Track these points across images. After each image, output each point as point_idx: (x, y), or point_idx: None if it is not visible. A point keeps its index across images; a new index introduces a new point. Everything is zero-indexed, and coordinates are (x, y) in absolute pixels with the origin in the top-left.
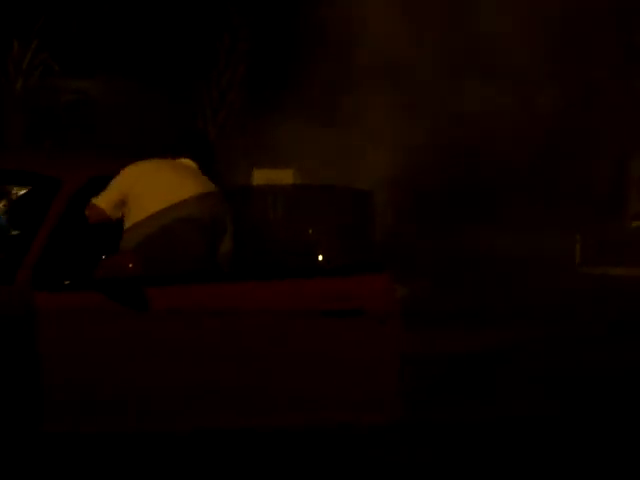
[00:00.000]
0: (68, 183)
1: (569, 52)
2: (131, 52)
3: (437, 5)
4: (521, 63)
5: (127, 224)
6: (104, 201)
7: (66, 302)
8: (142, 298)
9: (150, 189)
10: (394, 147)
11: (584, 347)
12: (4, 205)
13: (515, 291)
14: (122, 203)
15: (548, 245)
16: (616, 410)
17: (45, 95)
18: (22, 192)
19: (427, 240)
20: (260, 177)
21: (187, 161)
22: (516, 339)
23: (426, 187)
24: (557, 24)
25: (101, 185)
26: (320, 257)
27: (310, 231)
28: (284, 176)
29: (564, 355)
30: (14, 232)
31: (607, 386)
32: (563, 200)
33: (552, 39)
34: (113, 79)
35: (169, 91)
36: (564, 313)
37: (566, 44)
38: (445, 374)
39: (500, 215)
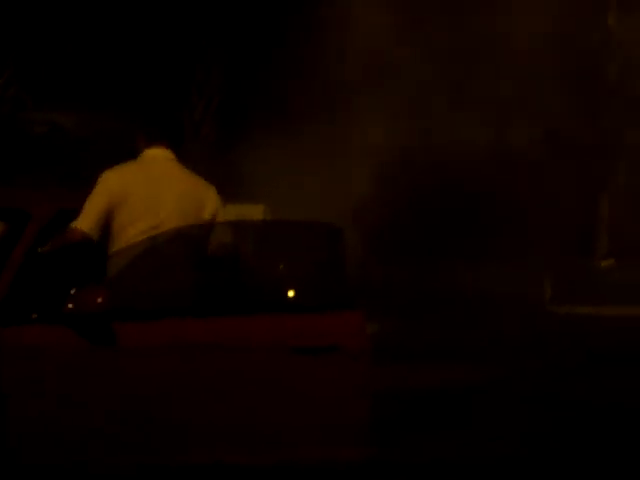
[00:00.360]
0: (37, 216)
1: (539, 86)
2: (104, 84)
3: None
4: (490, 95)
5: (110, 245)
6: (82, 222)
7: (33, 336)
8: (110, 334)
9: (130, 203)
10: (367, 181)
11: (553, 382)
12: None
13: (485, 327)
14: (104, 219)
15: (518, 281)
16: (591, 444)
17: (17, 128)
18: None
19: (397, 275)
20: (231, 212)
21: (163, 152)
22: (487, 375)
23: (396, 222)
24: (526, 58)
25: (71, 218)
26: (291, 293)
27: (281, 267)
28: (254, 212)
29: (535, 390)
30: None
31: (579, 420)
32: (532, 237)
33: (521, 73)
34: (85, 111)
35: (141, 123)
36: (533, 349)
37: (536, 78)
38: (416, 411)
39: (471, 250)
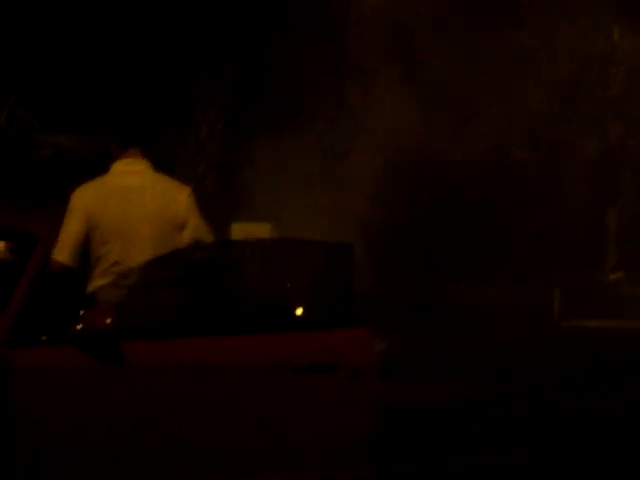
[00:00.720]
0: (44, 239)
1: (545, 100)
2: (108, 106)
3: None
4: (497, 106)
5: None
6: (59, 252)
7: (42, 358)
8: (119, 353)
9: (104, 221)
10: (373, 197)
11: (561, 397)
12: None
13: (493, 342)
14: (82, 243)
15: (527, 297)
16: (599, 460)
17: (22, 150)
18: None
19: (405, 290)
20: (238, 231)
21: (134, 162)
22: (496, 390)
23: (403, 238)
24: (529, 70)
25: None
26: (297, 311)
27: (288, 285)
28: (262, 230)
29: (543, 405)
30: None
31: (587, 436)
32: (540, 251)
33: (527, 83)
34: (90, 133)
35: (146, 144)
36: (541, 363)
37: (543, 88)
38: (424, 428)
39: (479, 266)
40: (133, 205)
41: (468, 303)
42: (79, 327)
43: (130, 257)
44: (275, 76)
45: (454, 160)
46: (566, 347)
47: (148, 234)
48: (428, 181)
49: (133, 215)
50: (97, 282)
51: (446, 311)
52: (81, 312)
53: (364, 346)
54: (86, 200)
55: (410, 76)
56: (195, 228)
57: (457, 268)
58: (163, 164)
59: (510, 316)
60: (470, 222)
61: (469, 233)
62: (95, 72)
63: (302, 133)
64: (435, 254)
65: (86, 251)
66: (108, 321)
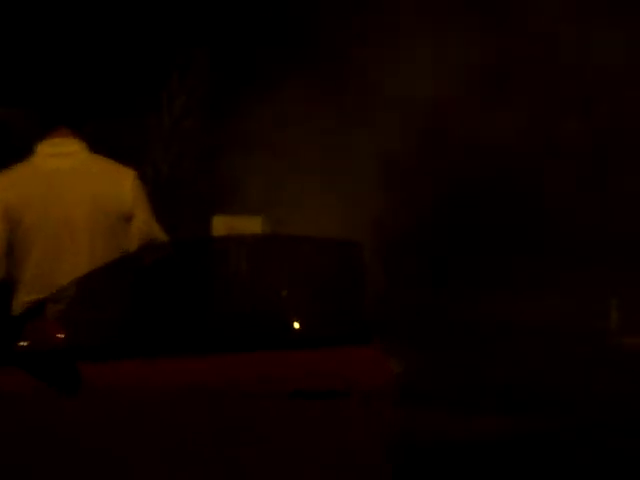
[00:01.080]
0: None
1: (599, 77)
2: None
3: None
4: (540, 91)
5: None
6: None
7: None
8: (74, 375)
9: (27, 219)
10: (385, 190)
11: (619, 437)
12: None
13: (535, 365)
14: (4, 245)
15: (576, 308)
16: None
17: None
18: None
19: (430, 302)
20: (221, 226)
21: (68, 143)
22: (536, 425)
23: (428, 236)
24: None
25: None
26: (295, 324)
27: (283, 293)
28: (251, 224)
29: (594, 447)
30: None
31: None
32: (594, 252)
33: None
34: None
35: (112, 119)
36: (595, 393)
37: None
38: (447, 466)
39: (516, 272)
40: (64, 192)
41: (503, 317)
42: (24, 344)
43: (63, 259)
44: (263, 40)
45: (488, 143)
46: (621, 370)
47: (85, 227)
48: (454, 168)
49: (64, 205)
50: (26, 296)
51: (476, 326)
52: (26, 326)
53: (376, 367)
54: (3, 192)
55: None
56: (145, 222)
57: (489, 274)
58: (128, 146)
59: (555, 332)
60: (505, 217)
61: (503, 231)
62: (53, 30)
63: (297, 108)
64: (462, 257)
65: (11, 257)
66: (60, 336)
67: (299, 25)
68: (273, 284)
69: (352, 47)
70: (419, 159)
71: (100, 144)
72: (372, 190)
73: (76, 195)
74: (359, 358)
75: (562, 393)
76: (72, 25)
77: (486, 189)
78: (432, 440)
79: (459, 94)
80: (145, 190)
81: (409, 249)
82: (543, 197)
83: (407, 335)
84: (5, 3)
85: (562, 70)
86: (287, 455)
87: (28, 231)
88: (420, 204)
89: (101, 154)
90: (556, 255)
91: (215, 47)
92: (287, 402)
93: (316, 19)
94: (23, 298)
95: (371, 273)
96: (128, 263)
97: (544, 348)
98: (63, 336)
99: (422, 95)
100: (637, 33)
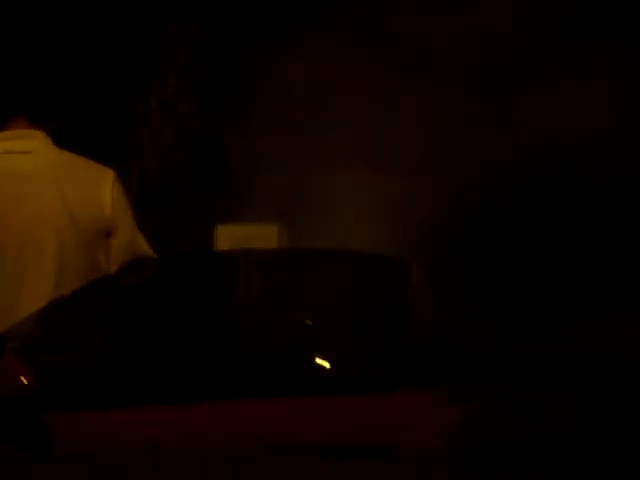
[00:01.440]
0: None
1: None
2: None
3: None
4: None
5: None
6: None
7: None
8: (40, 429)
9: None
10: (437, 187)
11: None
12: None
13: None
14: None
15: None
16: None
17: None
18: None
19: (493, 331)
20: (227, 237)
21: (27, 137)
22: None
23: (491, 246)
24: None
25: None
26: (324, 363)
27: (309, 322)
28: (264, 234)
29: None
30: None
31: None
32: None
33: None
34: None
35: (86, 106)
36: None
37: None
38: None
39: (616, 292)
40: (24, 203)
41: (599, 349)
42: None
43: (25, 285)
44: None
45: (567, 127)
46: None
47: (51, 246)
48: (527, 159)
49: (24, 219)
50: None
51: (562, 362)
52: None
53: (430, 417)
54: None
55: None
56: (128, 236)
57: (579, 295)
58: (107, 138)
59: None
60: (599, 222)
61: (597, 240)
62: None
63: (323, 77)
64: (541, 272)
65: None
66: (25, 381)
67: None
68: (293, 311)
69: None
70: (481, 150)
71: (70, 138)
72: (420, 184)
73: (40, 206)
74: (407, 405)
75: None
76: None
77: (569, 185)
78: None
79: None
80: (127, 195)
81: (472, 262)
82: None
83: (472, 375)
84: None
85: None
86: None
87: None
88: (486, 206)
89: (71, 150)
90: None
91: (209, 16)
92: (318, 461)
93: None
94: None
95: (424, 296)
96: (106, 288)
97: None
98: (28, 380)
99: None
100: None
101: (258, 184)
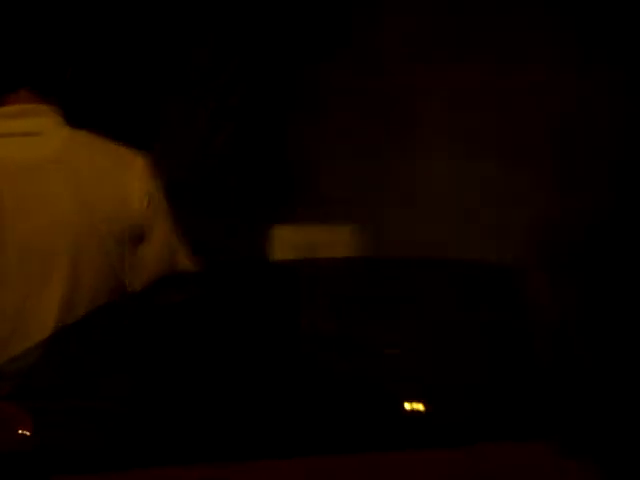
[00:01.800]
0: None
1: None
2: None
3: None
4: None
5: None
6: None
7: None
8: None
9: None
10: (551, 181)
11: None
12: None
13: None
14: None
15: None
16: None
17: None
18: None
19: (632, 356)
20: (287, 241)
21: (35, 114)
22: None
23: (621, 253)
24: None
25: None
26: (418, 407)
27: (393, 352)
28: (335, 238)
29: None
30: None
31: None
32: None
33: None
34: None
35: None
36: None
37: None
38: None
39: None
40: (26, 205)
41: None
42: None
43: (29, 308)
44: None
45: None
46: None
47: (65, 258)
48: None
49: (30, 224)
50: None
51: None
52: None
53: (553, 472)
54: None
55: None
56: (164, 242)
57: None
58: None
59: None
60: None
61: None
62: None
63: (403, 51)
64: None
65: None
66: (26, 432)
67: None
68: (376, 338)
69: None
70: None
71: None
72: (531, 176)
73: (49, 207)
74: (527, 457)
75: None
76: None
77: None
78: None
79: None
80: (163, 189)
81: (597, 272)
82: None
83: (604, 416)
84: None
85: None
86: None
87: None
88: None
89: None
90: None
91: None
92: None
93: None
94: None
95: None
96: (131, 311)
97: None
98: (29, 430)
99: None
100: None
101: (326, 175)
